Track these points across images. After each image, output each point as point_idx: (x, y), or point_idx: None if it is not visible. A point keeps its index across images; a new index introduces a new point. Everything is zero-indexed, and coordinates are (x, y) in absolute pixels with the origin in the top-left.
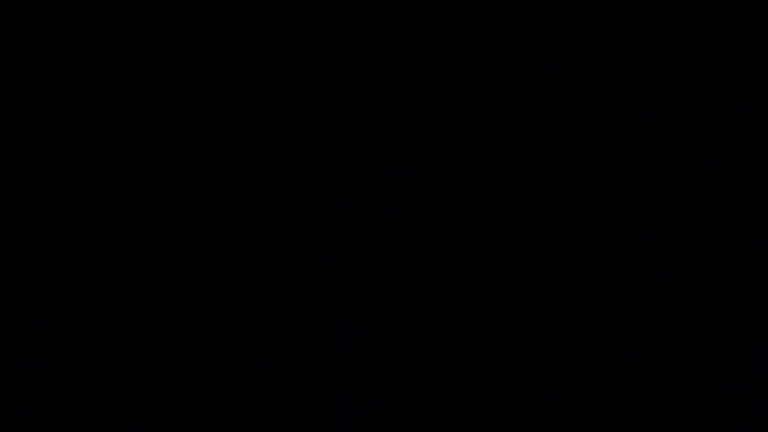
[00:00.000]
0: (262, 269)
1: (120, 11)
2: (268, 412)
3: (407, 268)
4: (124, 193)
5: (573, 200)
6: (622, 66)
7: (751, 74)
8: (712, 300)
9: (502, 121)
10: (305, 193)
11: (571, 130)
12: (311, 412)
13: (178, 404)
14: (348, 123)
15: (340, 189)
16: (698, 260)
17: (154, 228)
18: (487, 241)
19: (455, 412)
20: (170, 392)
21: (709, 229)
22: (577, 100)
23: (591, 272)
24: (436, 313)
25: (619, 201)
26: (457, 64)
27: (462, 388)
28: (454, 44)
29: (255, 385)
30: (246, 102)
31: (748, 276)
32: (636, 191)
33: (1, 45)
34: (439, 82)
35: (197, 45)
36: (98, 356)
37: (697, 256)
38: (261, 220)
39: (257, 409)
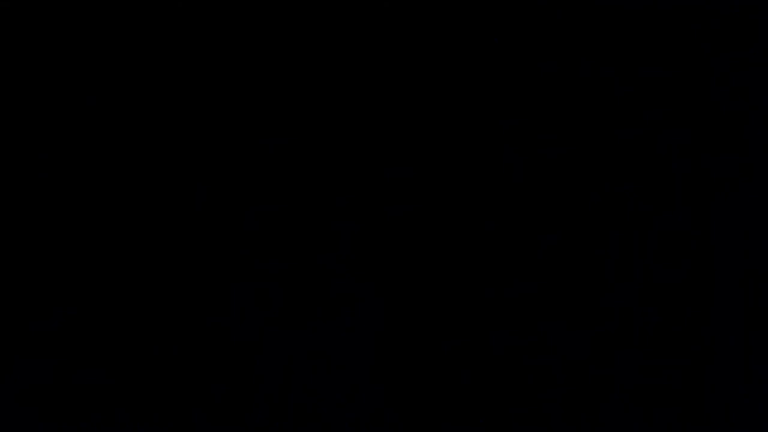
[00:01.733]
0: (262, 269)
1: (120, 11)
2: (268, 412)
3: (407, 268)
4: (123, 193)
5: (573, 200)
6: (622, 66)
7: (751, 74)
8: (712, 300)
9: (502, 121)
10: (305, 193)
11: (571, 130)
12: (311, 412)
13: (178, 404)
14: (347, 123)
15: (340, 189)
16: (698, 260)
17: (154, 228)
18: (487, 240)
19: (455, 412)
20: (170, 392)
21: (709, 229)
22: (577, 100)
23: (591, 272)
24: (436, 313)
25: (619, 201)
26: (457, 64)
27: (462, 388)
28: (454, 44)
29: (255, 385)
30: (246, 102)
31: (748, 276)
32: (636, 191)
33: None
34: (439, 82)
35: (197, 44)
36: (98, 356)
37: (697, 256)
38: (261, 220)
39: (257, 409)
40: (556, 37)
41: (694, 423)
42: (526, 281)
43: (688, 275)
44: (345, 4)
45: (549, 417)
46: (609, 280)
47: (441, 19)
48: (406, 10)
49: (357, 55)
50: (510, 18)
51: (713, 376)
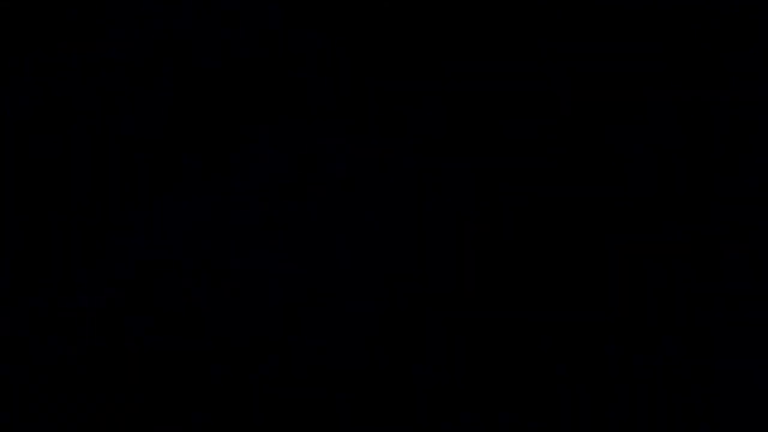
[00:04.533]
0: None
1: (118, 10)
2: (269, 411)
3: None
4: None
5: (573, 200)
6: (622, 66)
7: (751, 74)
8: (712, 300)
9: (502, 120)
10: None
11: (571, 130)
12: (311, 411)
13: (178, 404)
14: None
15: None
16: (698, 260)
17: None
18: (487, 241)
19: (455, 412)
20: (170, 392)
21: (709, 229)
22: (577, 99)
23: (591, 272)
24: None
25: (619, 201)
26: (457, 64)
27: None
28: (453, 43)
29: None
30: (244, 101)
31: (749, 276)
32: (636, 191)
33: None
34: (438, 82)
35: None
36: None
37: (697, 256)
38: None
39: (257, 409)
40: (557, 37)
41: (694, 423)
42: (527, 281)
43: (688, 275)
44: (345, 3)
45: (549, 417)
46: (610, 280)
47: (441, 19)
48: (405, 10)
49: (356, 54)
50: (510, 18)
51: (713, 376)
